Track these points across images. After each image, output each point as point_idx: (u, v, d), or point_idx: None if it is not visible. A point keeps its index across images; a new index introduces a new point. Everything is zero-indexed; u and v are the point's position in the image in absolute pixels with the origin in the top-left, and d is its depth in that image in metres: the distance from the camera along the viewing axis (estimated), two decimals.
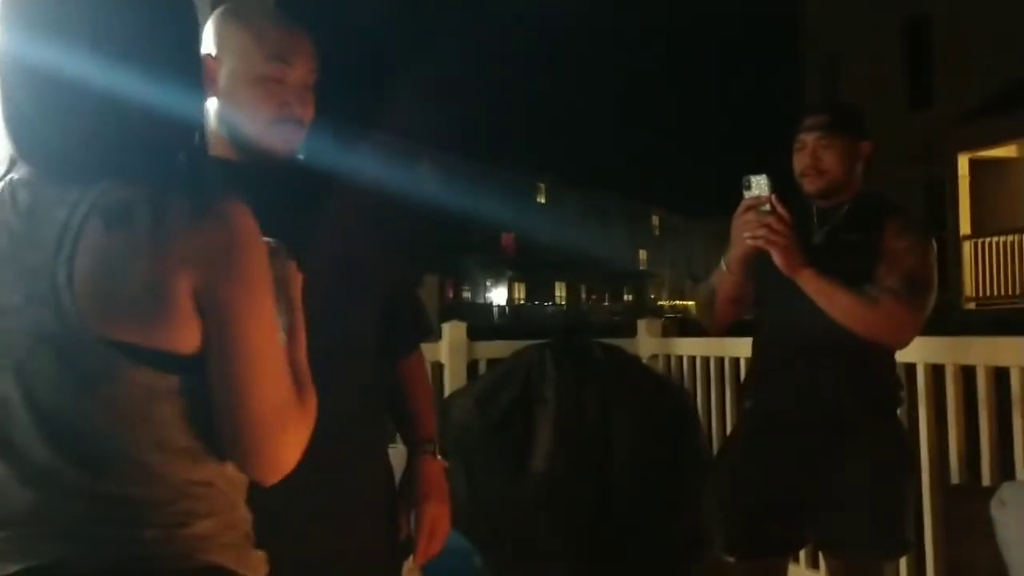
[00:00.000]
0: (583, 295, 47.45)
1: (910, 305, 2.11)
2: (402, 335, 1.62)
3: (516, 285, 45.11)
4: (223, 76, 1.41)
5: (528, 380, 3.83)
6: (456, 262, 35.55)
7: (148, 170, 1.00)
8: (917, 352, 2.69)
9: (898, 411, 2.35)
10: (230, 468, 1.07)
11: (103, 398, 0.98)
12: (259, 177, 1.39)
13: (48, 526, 0.99)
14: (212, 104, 1.42)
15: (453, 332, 4.01)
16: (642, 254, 50.84)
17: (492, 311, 40.07)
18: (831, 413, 2.18)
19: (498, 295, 43.70)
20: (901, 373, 2.66)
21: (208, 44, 1.43)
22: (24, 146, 1.03)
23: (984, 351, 2.67)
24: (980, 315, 12.38)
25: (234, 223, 1.01)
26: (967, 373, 2.71)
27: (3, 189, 1.04)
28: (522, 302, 44.41)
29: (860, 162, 2.26)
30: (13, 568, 0.98)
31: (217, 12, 1.46)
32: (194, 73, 1.09)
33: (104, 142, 1.00)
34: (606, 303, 46.24)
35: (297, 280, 1.14)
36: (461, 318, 4.28)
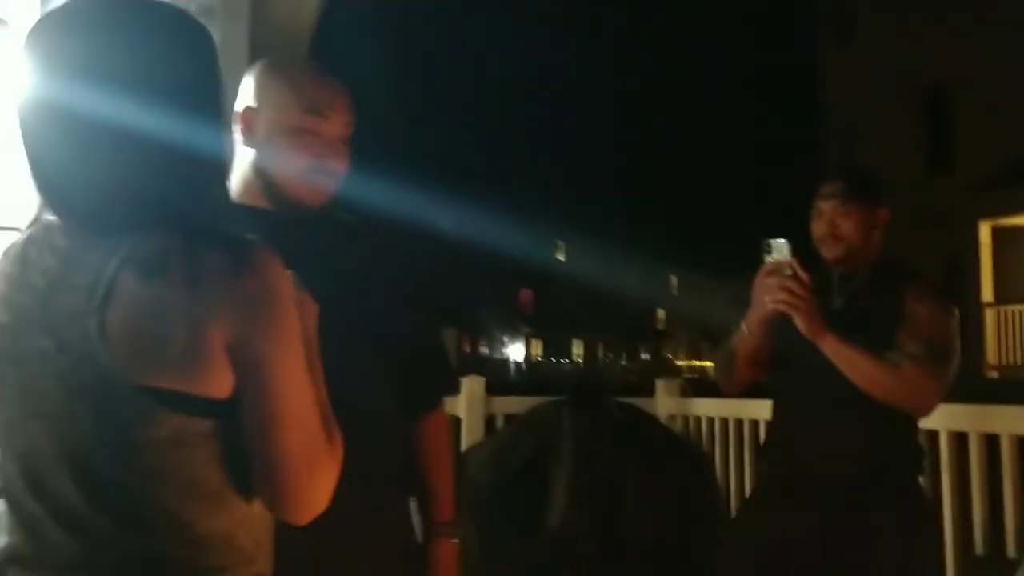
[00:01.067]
0: (600, 353, 47.28)
1: (932, 372, 2.10)
2: (424, 391, 1.60)
3: (533, 341, 45.04)
4: (260, 126, 1.44)
5: (544, 437, 3.82)
6: (474, 317, 35.57)
7: (177, 222, 1.01)
8: (940, 419, 2.67)
9: (920, 478, 2.32)
10: (255, 515, 1.07)
11: (134, 444, 0.99)
12: (290, 226, 1.41)
13: (75, 570, 1.00)
14: (248, 154, 1.45)
15: (472, 386, 4.01)
16: (660, 313, 50.71)
17: (509, 367, 39.95)
18: (851, 479, 2.16)
19: (515, 351, 43.62)
20: (923, 440, 2.64)
21: (247, 95, 1.46)
22: (52, 198, 1.04)
23: (1008, 420, 2.65)
24: (1003, 383, 12.22)
25: (265, 272, 1.02)
26: (990, 442, 2.69)
27: (43, 231, 1.06)
28: (539, 359, 44.29)
29: (878, 229, 2.27)
30: None
31: (257, 64, 1.50)
32: (217, 125, 1.09)
33: (129, 196, 1.01)
34: (623, 362, 46.03)
35: (312, 312, 1.15)
36: (478, 373, 4.29)
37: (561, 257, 45.73)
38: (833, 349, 2.11)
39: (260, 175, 1.45)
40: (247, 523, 1.07)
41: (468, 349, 37.34)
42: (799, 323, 2.12)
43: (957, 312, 2.22)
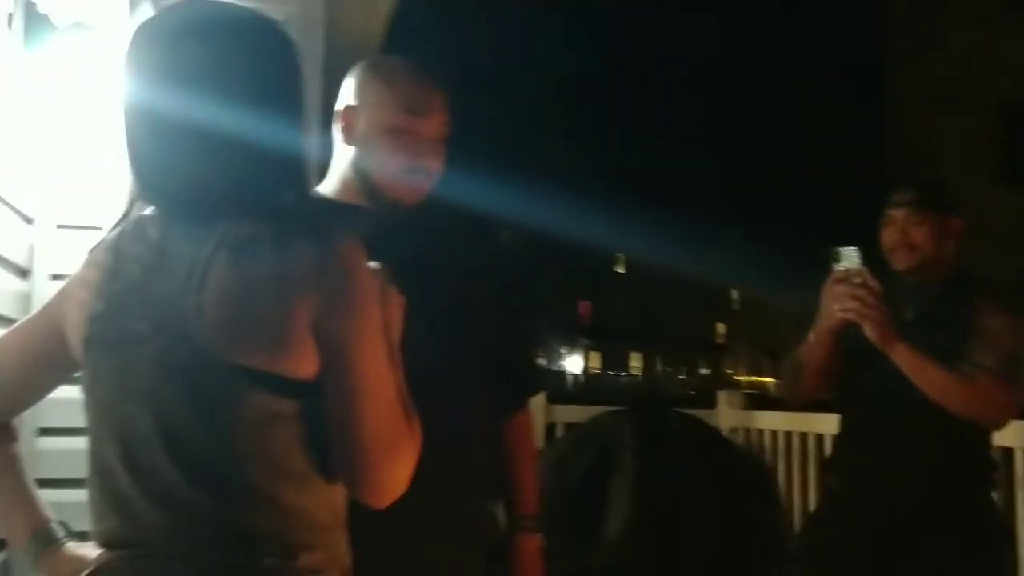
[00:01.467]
0: (658, 367, 46.92)
1: (1006, 384, 2.05)
2: (514, 391, 1.62)
3: (591, 354, 44.88)
4: (360, 125, 1.48)
5: (605, 447, 3.81)
6: (537, 329, 35.58)
7: (266, 209, 1.07)
8: (1015, 436, 2.61)
9: (992, 493, 2.26)
10: (336, 497, 1.11)
11: (226, 421, 1.03)
12: (387, 223, 1.44)
13: (173, 548, 1.04)
14: (348, 152, 1.49)
15: None
16: (720, 328, 50.14)
17: (566, 379, 39.87)
18: (921, 493, 2.12)
19: (573, 363, 43.51)
20: (997, 458, 2.58)
21: (348, 95, 1.50)
22: (149, 189, 1.11)
23: None
24: None
25: (349, 259, 1.07)
26: None
27: (134, 226, 1.12)
28: (596, 371, 44.11)
29: (951, 238, 2.23)
30: None
31: (359, 65, 1.54)
32: (301, 119, 1.14)
33: (219, 189, 1.07)
34: (681, 376, 45.61)
35: (397, 304, 1.18)
36: None
37: (620, 269, 45.54)
38: (904, 359, 2.08)
39: (359, 173, 1.48)
40: (330, 504, 1.10)
41: (533, 370, 37.24)
42: (869, 332, 2.08)
43: None
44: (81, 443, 1.12)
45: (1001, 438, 2.52)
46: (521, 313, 1.67)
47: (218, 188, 1.07)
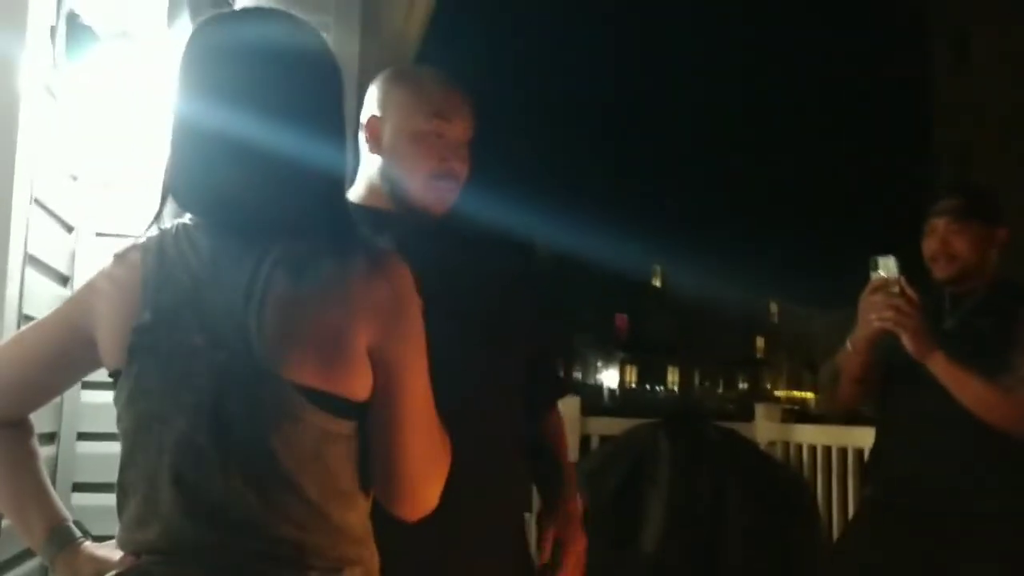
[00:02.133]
0: (696, 381, 46.56)
1: None
2: (543, 391, 1.66)
3: (628, 368, 44.66)
4: (386, 133, 1.50)
5: (640, 459, 3.79)
6: (568, 340, 35.50)
7: (323, 224, 1.08)
8: None
9: None
10: (367, 510, 1.12)
11: (283, 438, 1.03)
12: (414, 230, 1.46)
13: (215, 558, 1.03)
14: (375, 161, 1.51)
15: (566, 406, 3.99)
16: (759, 342, 49.67)
17: (603, 392, 39.69)
18: (957, 505, 2.08)
19: (609, 377, 43.32)
20: None
21: (372, 105, 1.52)
22: (195, 203, 1.11)
23: None
24: None
25: (403, 279, 1.09)
26: None
27: (178, 231, 1.11)
28: (633, 385, 43.87)
29: (994, 248, 2.19)
30: None
31: (382, 74, 1.56)
32: (342, 138, 1.16)
33: (275, 205, 1.08)
34: (720, 390, 45.22)
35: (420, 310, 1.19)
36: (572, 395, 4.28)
37: (658, 282, 45.32)
38: (942, 369, 2.04)
39: (387, 180, 1.50)
40: (365, 517, 1.12)
41: (561, 373, 37.26)
42: (906, 342, 2.05)
43: None
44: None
45: None
46: (550, 319, 1.70)
47: (262, 205, 1.08)
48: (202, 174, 1.09)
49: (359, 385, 1.06)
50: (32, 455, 1.20)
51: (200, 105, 1.09)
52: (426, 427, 1.10)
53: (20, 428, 1.20)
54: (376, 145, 1.50)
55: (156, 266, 1.09)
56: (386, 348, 1.06)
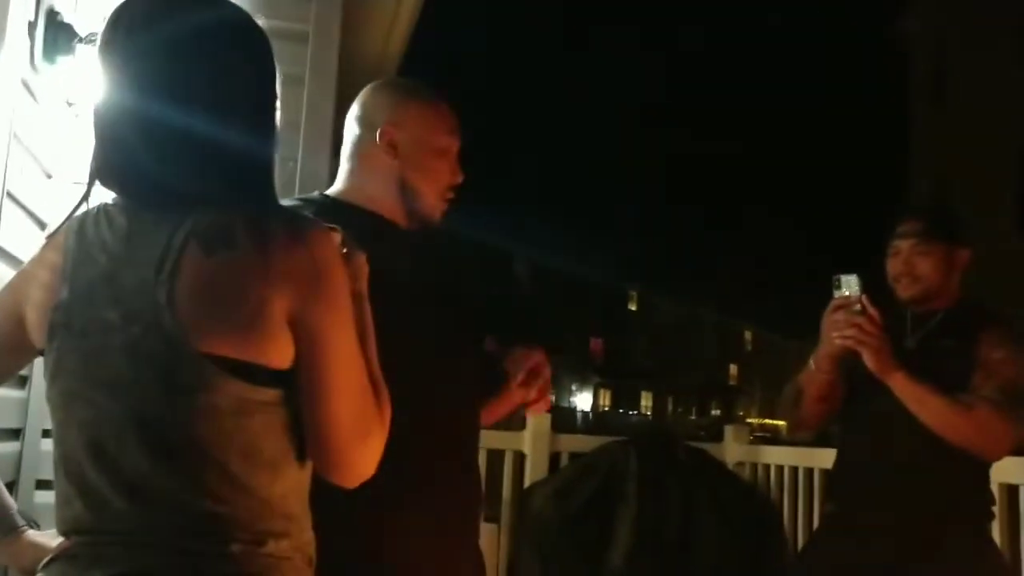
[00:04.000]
0: (669, 406, 46.62)
1: (1006, 415, 2.05)
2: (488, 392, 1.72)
3: (602, 391, 44.66)
4: (407, 144, 1.54)
5: (610, 475, 3.80)
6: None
7: (240, 199, 1.08)
8: (1020, 474, 2.58)
9: (988, 525, 2.25)
10: (303, 483, 1.12)
11: (199, 409, 1.03)
12: (412, 238, 1.55)
13: (140, 535, 1.04)
14: (392, 167, 1.54)
15: (537, 422, 4.01)
16: (733, 369, 49.85)
17: (576, 416, 39.65)
18: (915, 521, 2.11)
19: (583, 400, 43.29)
20: (1004, 495, 2.56)
21: (379, 113, 1.56)
22: (116, 182, 1.11)
23: None
24: None
25: (322, 247, 1.08)
26: None
27: (99, 211, 1.12)
28: (606, 409, 43.85)
29: (957, 269, 2.23)
30: (100, 573, 1.02)
31: (384, 85, 1.61)
32: (273, 126, 1.16)
33: (196, 177, 1.08)
34: (692, 416, 45.29)
35: (364, 273, 1.20)
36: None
37: (633, 307, 45.46)
38: (902, 387, 2.08)
39: (405, 188, 1.55)
40: (299, 490, 1.12)
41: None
42: (868, 360, 2.09)
43: None
44: None
45: (1006, 475, 2.50)
46: (527, 334, 1.77)
47: (175, 179, 1.08)
48: (115, 151, 1.10)
49: (278, 353, 1.05)
50: None
51: (113, 84, 1.10)
52: (355, 394, 1.09)
53: None
54: (392, 153, 1.54)
55: (75, 245, 1.10)
56: (306, 315, 1.05)
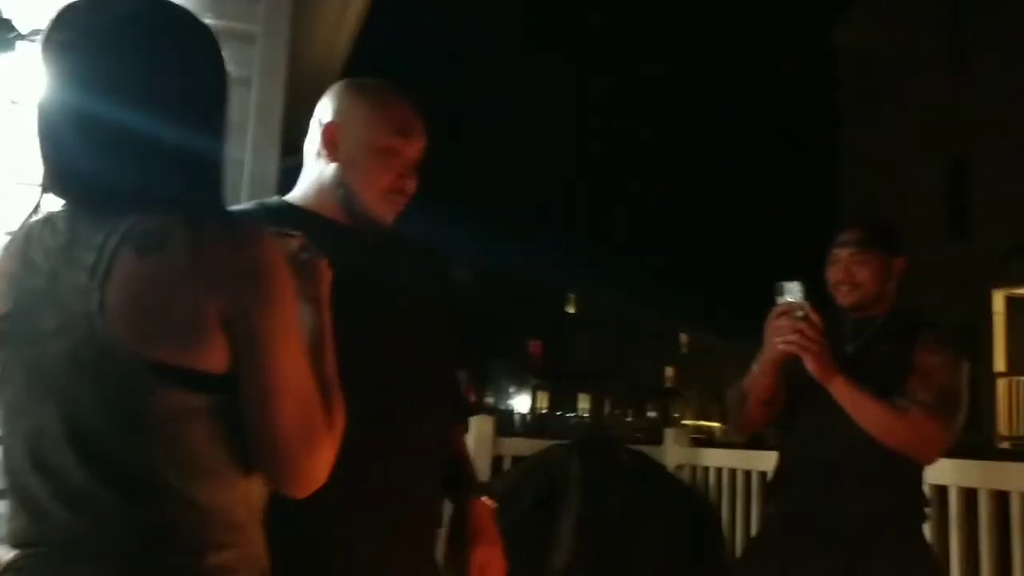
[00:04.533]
0: (607, 408, 46.99)
1: (940, 419, 2.12)
2: (461, 403, 1.72)
3: (539, 394, 44.82)
4: (347, 143, 1.51)
5: (553, 479, 3.82)
6: (481, 365, 35.49)
7: (177, 201, 1.05)
8: (950, 475, 2.67)
9: (923, 526, 2.32)
10: (254, 492, 1.09)
11: (134, 418, 1.02)
12: (360, 239, 1.50)
13: (81, 545, 1.02)
14: (330, 168, 1.52)
15: (480, 426, 4.02)
16: (669, 371, 50.46)
17: (514, 418, 39.73)
18: (854, 522, 2.17)
19: (521, 402, 43.39)
20: (934, 496, 2.64)
21: (328, 111, 1.53)
22: (58, 185, 1.09)
23: (1019, 477, 2.64)
24: (1013, 454, 12.11)
25: (260, 247, 1.05)
26: (1001, 499, 2.68)
27: (46, 218, 1.10)
28: (544, 411, 44.03)
29: (894, 278, 2.31)
30: None
31: (342, 83, 1.57)
32: (220, 123, 1.14)
33: (137, 176, 1.06)
34: (629, 418, 45.72)
35: (326, 278, 1.18)
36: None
37: (572, 309, 45.72)
38: (842, 392, 2.13)
39: (342, 188, 1.52)
40: (245, 500, 1.09)
41: (473, 398, 37.23)
42: (809, 365, 2.14)
43: (967, 364, 2.24)
44: None
45: (936, 476, 2.58)
46: (467, 337, 1.75)
47: (125, 185, 1.06)
48: (54, 151, 1.08)
49: (213, 357, 1.02)
50: None
51: (52, 82, 1.08)
52: (298, 399, 1.05)
53: None
54: (333, 152, 1.51)
55: (20, 255, 1.09)
56: (243, 318, 1.02)
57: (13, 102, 1.95)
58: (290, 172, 1.69)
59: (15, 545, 1.06)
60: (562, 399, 44.93)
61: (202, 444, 1.04)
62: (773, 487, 2.46)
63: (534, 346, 43.21)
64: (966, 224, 16.36)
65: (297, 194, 1.56)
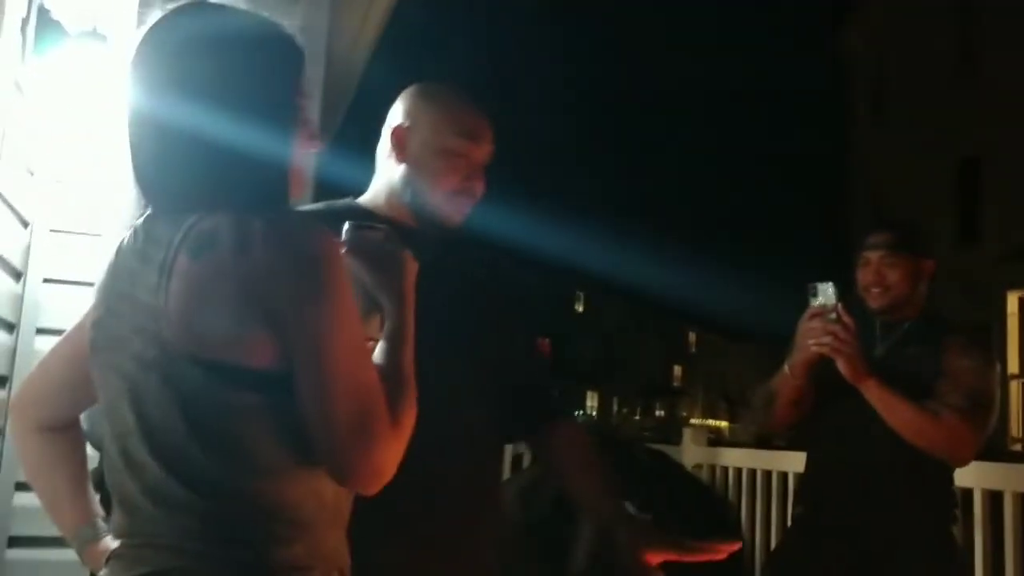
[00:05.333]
0: (615, 407, 46.97)
1: (971, 422, 2.13)
2: (539, 409, 1.69)
3: None
4: (414, 145, 1.54)
5: None
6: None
7: (249, 200, 1.08)
8: (975, 477, 2.68)
9: (952, 528, 2.33)
10: (323, 489, 1.10)
11: (194, 416, 1.05)
12: (430, 242, 1.51)
13: (163, 537, 1.06)
14: (398, 170, 1.55)
15: None
16: (677, 370, 50.40)
17: None
18: (885, 525, 2.18)
19: None
20: (958, 497, 2.65)
21: (398, 115, 1.57)
22: (143, 192, 1.14)
23: None
24: None
25: (306, 243, 1.06)
26: None
27: (131, 233, 1.15)
28: None
29: (923, 280, 2.32)
30: (134, 572, 1.07)
31: (413, 88, 1.60)
32: (290, 129, 1.16)
33: (205, 180, 1.09)
34: (637, 417, 45.68)
35: (411, 271, 1.20)
36: None
37: (581, 307, 45.70)
38: (875, 394, 2.15)
39: (409, 191, 1.54)
40: (315, 495, 1.10)
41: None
42: (842, 367, 2.15)
43: (998, 366, 2.25)
44: None
45: (961, 478, 2.59)
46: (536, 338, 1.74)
47: (194, 189, 1.09)
48: (143, 163, 1.12)
49: (266, 355, 1.04)
50: (74, 453, 1.27)
51: (143, 93, 1.12)
52: (353, 392, 1.05)
53: (65, 431, 1.27)
54: (401, 154, 1.54)
55: (113, 261, 1.14)
56: (293, 313, 1.04)
57: (59, 101, 1.97)
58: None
59: (116, 536, 1.13)
60: (569, 397, 44.94)
61: (261, 441, 1.06)
62: (801, 488, 2.47)
63: (542, 344, 43.14)
64: (978, 226, 16.32)
65: (367, 196, 1.59)
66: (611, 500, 1.59)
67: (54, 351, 1.27)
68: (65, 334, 1.28)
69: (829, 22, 20.42)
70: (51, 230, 2.07)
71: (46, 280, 2.02)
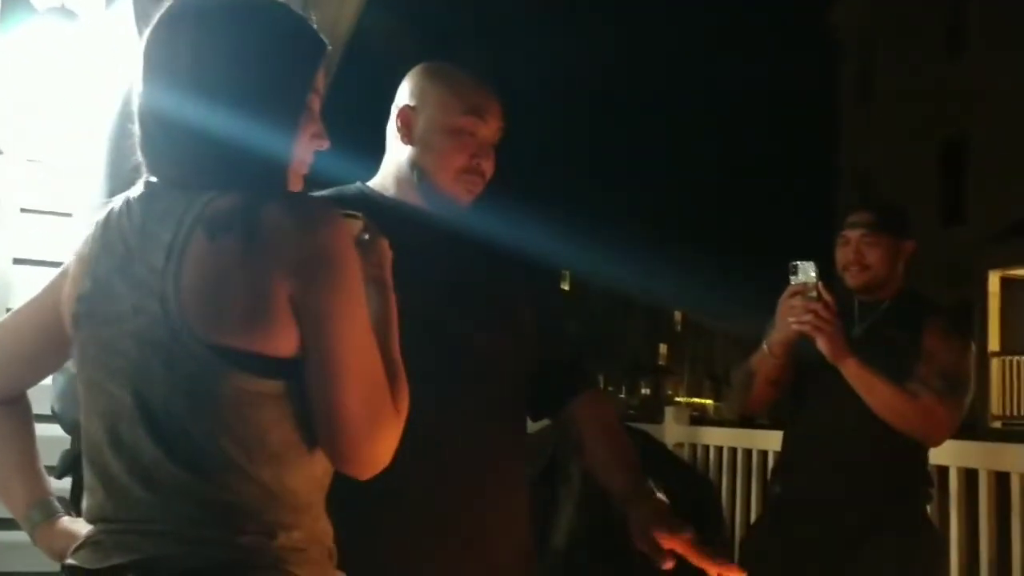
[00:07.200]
0: (600, 384, 47.12)
1: (948, 403, 2.15)
2: (571, 380, 1.65)
3: None
4: (419, 125, 1.52)
5: (554, 455, 3.85)
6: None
7: (248, 184, 1.07)
8: (950, 456, 2.69)
9: (927, 507, 2.35)
10: (319, 472, 1.11)
11: (204, 401, 1.03)
12: (439, 222, 1.51)
13: (155, 523, 1.04)
14: (404, 151, 1.52)
15: None
16: (662, 349, 50.60)
17: None
18: (861, 503, 2.19)
19: None
20: (933, 475, 2.67)
21: (405, 95, 1.54)
22: (151, 161, 1.12)
23: (1018, 458, 2.67)
24: (1006, 434, 12.21)
25: (327, 229, 1.06)
26: (1000, 479, 2.71)
27: (124, 202, 1.13)
28: None
29: (902, 260, 2.32)
30: (119, 560, 1.03)
31: (418, 68, 1.58)
32: (295, 117, 1.14)
33: (213, 160, 1.08)
34: (622, 395, 45.87)
35: (388, 258, 1.19)
36: None
37: (566, 286, 45.76)
38: (854, 373, 2.15)
39: (416, 170, 1.52)
40: (312, 480, 1.10)
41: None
42: (822, 346, 2.15)
43: (974, 347, 2.26)
44: None
45: (937, 456, 2.61)
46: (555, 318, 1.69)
47: (186, 164, 1.08)
48: (142, 137, 1.11)
49: (282, 341, 1.03)
50: (23, 430, 1.22)
51: (143, 78, 1.11)
52: (365, 381, 1.06)
53: (14, 404, 1.22)
54: (408, 134, 1.52)
55: (99, 237, 1.11)
56: (310, 300, 1.03)
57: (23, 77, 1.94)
58: None
59: (92, 520, 1.09)
60: None
61: (271, 428, 1.05)
62: (779, 467, 2.48)
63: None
64: (961, 204, 16.40)
65: (376, 179, 1.57)
66: (636, 475, 1.58)
67: (4, 325, 1.23)
68: (18, 308, 1.23)
69: (820, 1, 20.39)
70: (21, 209, 2.05)
71: (16, 261, 1.99)
